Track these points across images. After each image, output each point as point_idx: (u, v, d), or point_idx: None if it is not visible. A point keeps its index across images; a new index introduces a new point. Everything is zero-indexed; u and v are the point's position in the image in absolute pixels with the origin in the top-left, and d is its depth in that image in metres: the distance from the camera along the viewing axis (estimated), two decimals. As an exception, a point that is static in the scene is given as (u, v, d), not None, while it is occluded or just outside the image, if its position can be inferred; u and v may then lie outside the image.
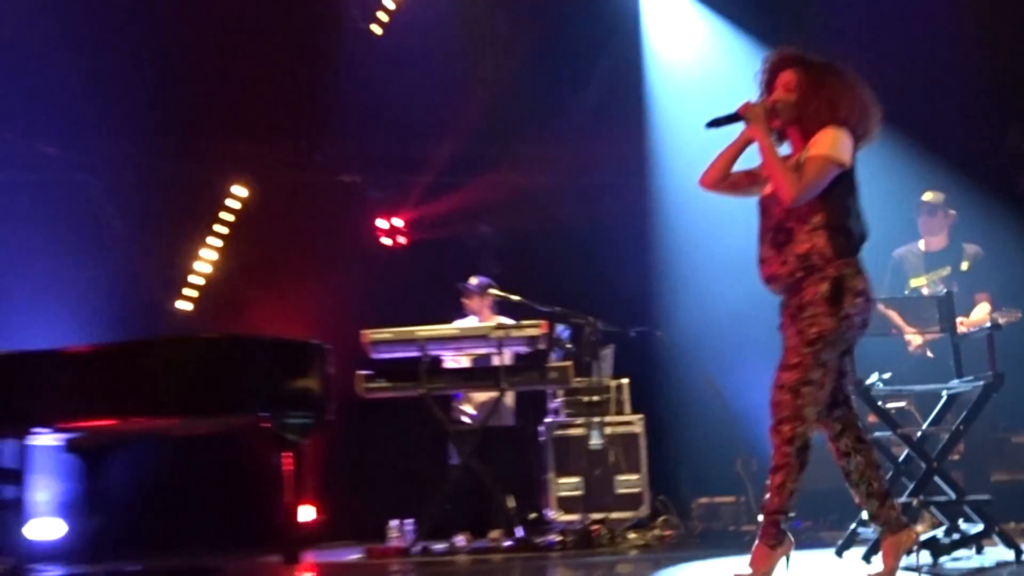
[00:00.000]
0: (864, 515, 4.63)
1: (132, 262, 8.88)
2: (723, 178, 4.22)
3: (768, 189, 4.05)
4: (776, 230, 3.98)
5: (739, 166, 4.21)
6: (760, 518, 4.00)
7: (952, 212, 6.65)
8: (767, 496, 3.95)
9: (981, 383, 4.99)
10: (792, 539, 3.99)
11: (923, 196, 6.71)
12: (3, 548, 6.49)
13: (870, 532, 5.13)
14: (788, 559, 4.00)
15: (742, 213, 8.00)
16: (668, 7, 9.25)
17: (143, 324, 8.55)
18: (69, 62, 8.27)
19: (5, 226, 8.65)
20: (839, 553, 5.27)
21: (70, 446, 6.79)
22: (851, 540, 5.29)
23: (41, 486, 7.23)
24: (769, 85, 4.20)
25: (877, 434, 5.31)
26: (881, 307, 5.62)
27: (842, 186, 3.94)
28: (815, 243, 3.84)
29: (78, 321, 8.06)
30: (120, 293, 8.72)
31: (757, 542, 3.95)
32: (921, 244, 6.70)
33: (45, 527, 7.17)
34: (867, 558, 4.97)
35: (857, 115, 4.03)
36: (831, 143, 3.90)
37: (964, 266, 6.47)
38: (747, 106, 4.06)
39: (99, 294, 8.58)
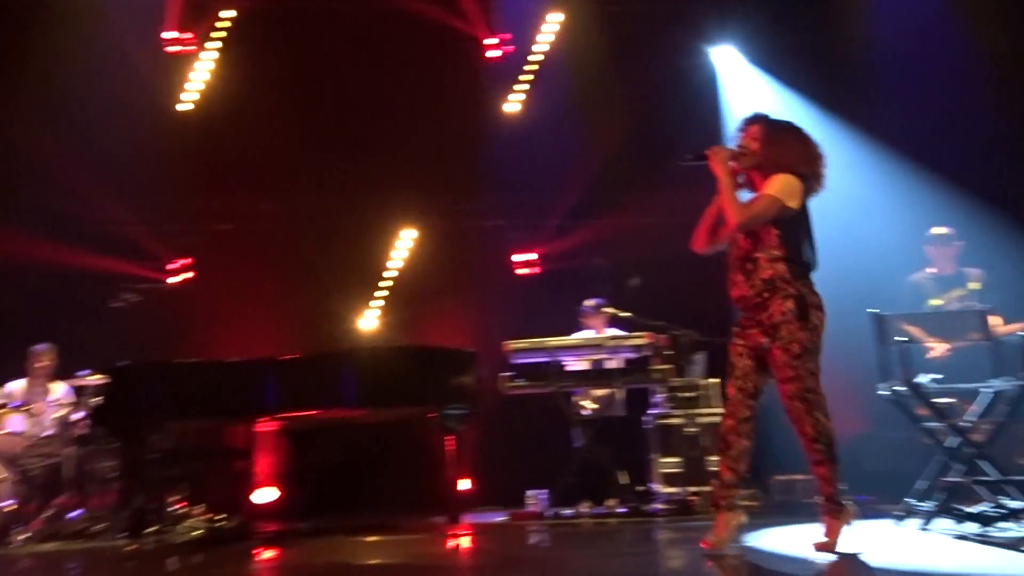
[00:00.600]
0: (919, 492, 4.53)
1: (327, 292, 9.07)
2: (710, 237, 4.22)
3: (727, 226, 4.07)
4: (744, 259, 3.99)
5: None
6: (820, 499, 4.01)
7: (958, 243, 6.47)
8: (819, 484, 3.98)
9: (1021, 382, 4.78)
10: (852, 507, 3.96)
11: (934, 230, 6.55)
12: (238, 508, 6.66)
13: (926, 506, 4.94)
14: (851, 524, 3.97)
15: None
16: (742, 79, 9.17)
17: (336, 337, 8.75)
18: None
19: (234, 265, 8.96)
20: (898, 523, 5.06)
21: (283, 431, 6.96)
22: (909, 512, 5.08)
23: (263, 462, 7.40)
24: (741, 138, 4.21)
25: (928, 424, 5.10)
26: (903, 324, 5.43)
27: (795, 223, 3.97)
28: (776, 269, 3.90)
29: (286, 334, 8.28)
30: (318, 315, 8.92)
31: (825, 517, 3.93)
32: (932, 270, 6.50)
33: (265, 493, 7.34)
34: (924, 527, 4.76)
35: (806, 164, 4.04)
36: (780, 187, 3.93)
37: (975, 286, 6.27)
38: (713, 149, 4.10)
39: (302, 316, 8.80)
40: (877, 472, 7.23)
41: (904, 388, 4.90)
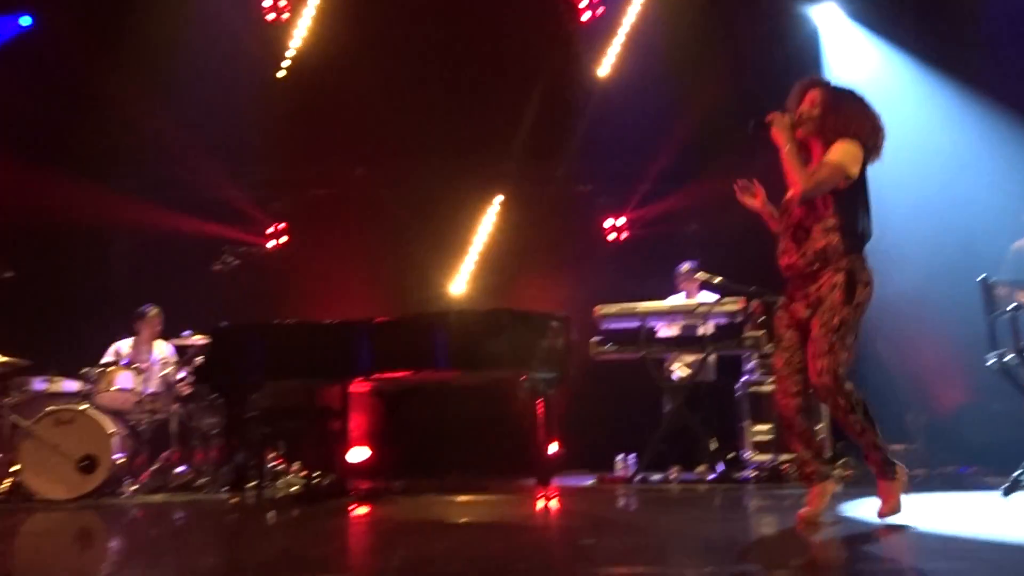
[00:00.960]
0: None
1: (419, 256, 9.15)
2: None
3: (789, 192, 3.91)
4: (796, 228, 3.84)
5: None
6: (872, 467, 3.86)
7: None
8: (867, 453, 3.83)
9: None
10: (904, 466, 3.89)
11: None
12: (332, 466, 6.80)
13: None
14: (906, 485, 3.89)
15: (907, 209, 7.56)
16: (844, 38, 8.83)
17: (429, 300, 8.83)
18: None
19: (329, 229, 9.11)
20: (1005, 495, 4.85)
21: (376, 391, 7.06)
22: (1016, 485, 4.87)
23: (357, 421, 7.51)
24: (799, 104, 4.00)
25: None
26: (1004, 289, 5.18)
27: (852, 192, 3.80)
28: (830, 240, 3.74)
29: (380, 297, 8.39)
30: (410, 278, 9.02)
31: (881, 482, 3.84)
32: None
33: (359, 452, 7.47)
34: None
35: (868, 132, 3.86)
36: (842, 154, 3.77)
37: None
38: (774, 115, 3.93)
39: (395, 279, 8.90)
40: (982, 444, 6.97)
41: (1013, 357, 4.69)
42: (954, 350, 7.13)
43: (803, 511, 3.79)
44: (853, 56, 8.61)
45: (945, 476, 6.59)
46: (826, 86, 4.02)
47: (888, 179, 7.14)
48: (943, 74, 8.16)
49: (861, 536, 3.48)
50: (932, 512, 4.39)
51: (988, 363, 4.94)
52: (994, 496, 4.91)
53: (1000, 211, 7.18)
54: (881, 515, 3.78)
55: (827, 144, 3.83)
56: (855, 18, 8.78)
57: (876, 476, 3.84)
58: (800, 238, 3.80)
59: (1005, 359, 4.79)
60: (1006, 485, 4.93)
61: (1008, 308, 4.72)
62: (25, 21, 9.06)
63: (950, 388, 7.58)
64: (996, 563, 2.91)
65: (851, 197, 3.80)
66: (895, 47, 8.48)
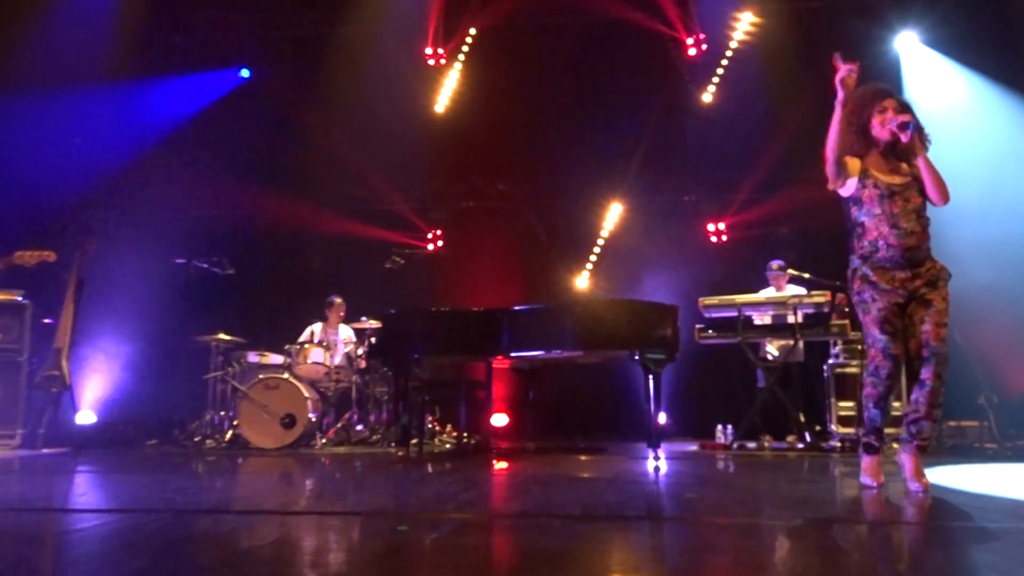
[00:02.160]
0: None
1: (551, 256, 9.18)
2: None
3: (903, 180, 3.51)
4: (918, 213, 3.50)
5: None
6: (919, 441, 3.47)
7: None
8: (929, 423, 3.43)
9: None
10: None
11: None
12: (478, 428, 6.92)
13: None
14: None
15: (981, 212, 7.05)
16: (923, 64, 8.32)
17: (558, 292, 8.87)
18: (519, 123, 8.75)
19: (475, 234, 9.25)
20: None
21: (514, 367, 7.11)
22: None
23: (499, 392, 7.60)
24: (879, 108, 3.58)
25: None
26: None
27: None
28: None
29: (517, 289, 8.46)
30: (542, 274, 9.06)
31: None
32: None
33: (500, 417, 7.55)
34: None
35: None
36: None
37: None
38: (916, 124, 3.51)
39: (530, 275, 8.97)
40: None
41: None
42: (1022, 337, 6.63)
43: (879, 479, 3.54)
44: (932, 81, 8.13)
45: (1015, 449, 6.15)
46: (898, 96, 3.66)
47: (970, 187, 6.74)
48: (1013, 92, 7.59)
49: (935, 498, 3.29)
50: (1002, 480, 4.11)
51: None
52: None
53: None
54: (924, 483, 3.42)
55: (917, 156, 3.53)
56: (933, 45, 8.28)
57: (919, 448, 3.49)
58: (924, 224, 3.52)
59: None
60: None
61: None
62: (244, 74, 9.61)
63: (1018, 371, 7.07)
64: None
65: None
66: (974, 72, 7.96)
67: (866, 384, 3.57)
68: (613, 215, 9.29)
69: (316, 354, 7.20)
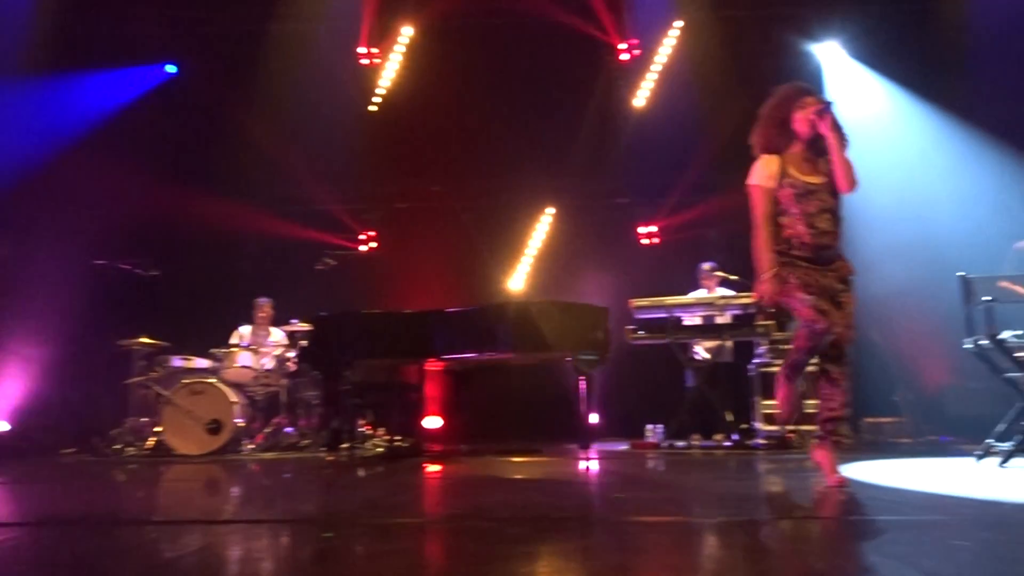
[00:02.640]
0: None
1: (484, 258, 9.18)
2: None
3: (820, 180, 3.52)
4: (833, 214, 3.53)
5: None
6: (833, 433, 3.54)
7: None
8: (842, 420, 3.54)
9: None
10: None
11: None
12: (411, 431, 6.85)
13: (1005, 446, 4.58)
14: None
15: (898, 216, 7.34)
16: (844, 74, 8.63)
17: (490, 294, 8.87)
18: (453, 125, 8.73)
19: (409, 236, 9.19)
20: (979, 460, 4.71)
21: (447, 369, 7.08)
22: (988, 451, 4.72)
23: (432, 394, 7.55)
24: (800, 104, 3.60)
25: (1009, 374, 4.70)
26: (1005, 283, 5.01)
27: None
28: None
29: (450, 292, 8.42)
30: (476, 276, 9.05)
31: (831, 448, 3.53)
32: None
33: (433, 420, 7.50)
34: (1002, 464, 4.41)
35: None
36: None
37: None
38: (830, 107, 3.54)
39: (463, 277, 8.95)
40: (960, 417, 6.78)
41: (988, 342, 4.53)
42: (937, 336, 6.93)
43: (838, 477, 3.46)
44: (853, 90, 8.44)
45: (929, 444, 6.42)
46: (818, 94, 3.68)
47: (885, 192, 7.00)
48: (929, 103, 7.95)
49: (852, 493, 3.41)
50: (918, 474, 4.28)
51: (966, 347, 4.78)
52: (970, 461, 4.77)
53: (973, 218, 6.98)
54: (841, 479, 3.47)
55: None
56: (855, 56, 8.60)
57: (829, 442, 3.55)
58: (836, 222, 3.56)
59: (980, 343, 4.62)
60: (980, 452, 4.78)
61: (982, 300, 4.55)
62: (170, 69, 9.34)
63: (934, 369, 7.39)
64: (972, 516, 2.83)
65: None
66: (893, 83, 8.30)
67: (797, 340, 3.55)
68: (547, 217, 9.36)
69: (244, 357, 7.04)
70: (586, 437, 5.78)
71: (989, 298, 4.51)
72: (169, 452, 6.49)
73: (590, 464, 5.20)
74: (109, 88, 8.99)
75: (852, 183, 3.51)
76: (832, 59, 8.71)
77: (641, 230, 9.21)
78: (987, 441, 4.74)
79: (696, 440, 6.75)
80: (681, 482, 4.27)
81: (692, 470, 4.95)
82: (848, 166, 3.51)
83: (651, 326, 6.86)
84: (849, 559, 2.09)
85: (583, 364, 5.79)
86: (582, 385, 5.87)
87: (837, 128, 3.55)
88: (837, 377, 3.52)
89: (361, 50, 9.34)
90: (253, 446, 6.81)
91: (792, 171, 3.59)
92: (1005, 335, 4.56)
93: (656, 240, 9.20)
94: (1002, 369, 4.72)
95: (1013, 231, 6.16)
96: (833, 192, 3.57)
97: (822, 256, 3.54)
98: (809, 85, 3.72)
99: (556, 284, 8.77)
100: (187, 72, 9.27)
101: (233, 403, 6.56)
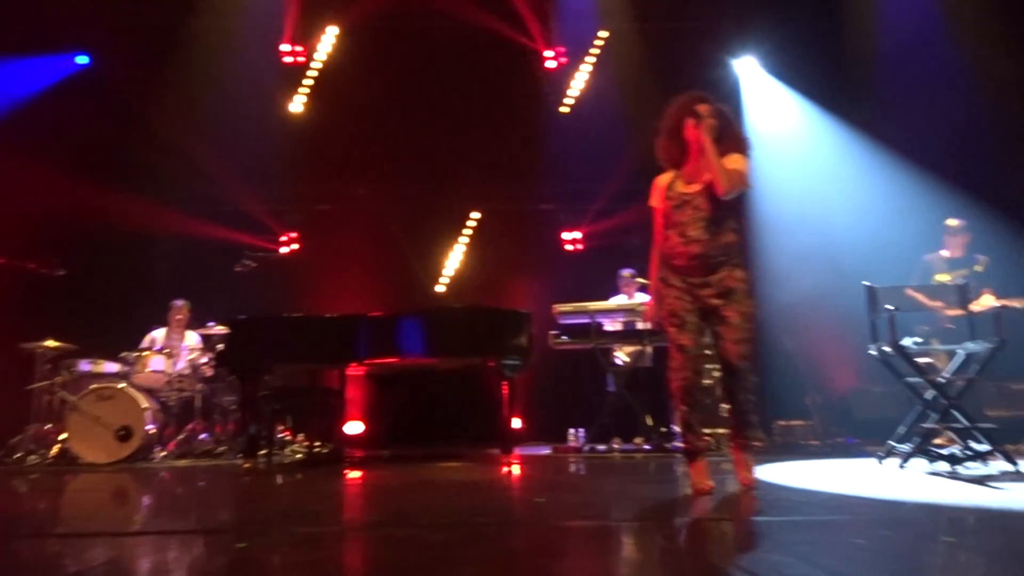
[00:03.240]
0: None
1: (408, 262, 9.13)
2: None
3: (695, 188, 3.52)
4: (708, 221, 3.49)
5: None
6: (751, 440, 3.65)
7: (967, 233, 6.19)
8: (746, 428, 3.62)
9: (990, 345, 4.59)
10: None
11: (948, 221, 6.26)
12: (331, 437, 6.75)
13: (905, 448, 4.81)
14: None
15: (808, 227, 7.60)
16: (761, 88, 8.93)
17: (414, 299, 8.82)
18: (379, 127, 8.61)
19: (332, 238, 9.06)
20: (881, 461, 4.94)
21: (369, 374, 7.00)
22: (889, 453, 4.95)
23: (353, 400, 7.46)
24: (690, 112, 3.56)
25: (910, 379, 4.95)
26: (911, 291, 5.30)
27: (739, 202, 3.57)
28: (733, 239, 3.54)
29: (373, 295, 8.34)
30: (400, 280, 9.00)
31: (746, 451, 3.63)
32: (945, 253, 6.23)
33: (354, 425, 7.42)
34: (902, 466, 4.62)
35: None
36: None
37: (979, 268, 6.01)
38: (705, 112, 3.52)
39: (387, 281, 8.88)
40: (865, 419, 7.10)
41: (890, 349, 4.76)
42: (844, 341, 7.22)
43: (707, 484, 3.49)
44: (768, 103, 8.75)
45: (835, 446, 6.70)
46: (715, 102, 3.64)
47: (795, 202, 7.26)
48: (837, 117, 8.30)
49: (763, 494, 3.53)
50: (825, 475, 4.46)
51: (870, 353, 5.00)
52: (873, 462, 5.00)
53: (875, 228, 7.33)
54: (751, 480, 3.57)
55: (723, 154, 3.49)
56: (770, 71, 8.91)
57: (743, 448, 3.65)
58: (712, 231, 3.49)
59: (883, 350, 4.85)
60: (882, 453, 5.02)
61: (885, 308, 4.77)
62: (82, 60, 8.96)
63: (841, 373, 7.71)
64: (872, 516, 2.96)
65: (740, 206, 3.64)
66: (805, 97, 8.63)
67: (669, 382, 3.57)
68: (472, 222, 9.37)
69: (157, 362, 6.83)
70: (509, 441, 5.80)
71: (892, 307, 4.73)
72: (75, 460, 6.23)
73: (512, 468, 5.22)
74: (14, 77, 8.58)
75: (728, 185, 3.43)
76: (749, 73, 9.02)
77: (565, 236, 9.33)
78: (889, 443, 4.98)
79: (617, 444, 6.87)
80: (601, 486, 4.33)
81: (612, 474, 5.03)
82: (720, 169, 3.44)
83: (573, 331, 6.95)
84: (757, 559, 2.16)
85: (506, 369, 5.82)
86: (505, 390, 5.88)
87: (725, 133, 3.53)
88: (734, 392, 3.56)
89: (285, 48, 9.18)
90: (165, 453, 6.60)
91: (677, 183, 3.60)
92: (906, 342, 4.79)
93: (580, 246, 9.32)
94: (903, 374, 4.96)
95: (910, 241, 6.50)
96: (711, 198, 3.51)
97: (696, 266, 3.51)
98: (702, 93, 3.65)
99: (480, 289, 8.80)
100: (100, 64, 8.92)
101: (144, 409, 6.35)
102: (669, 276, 3.60)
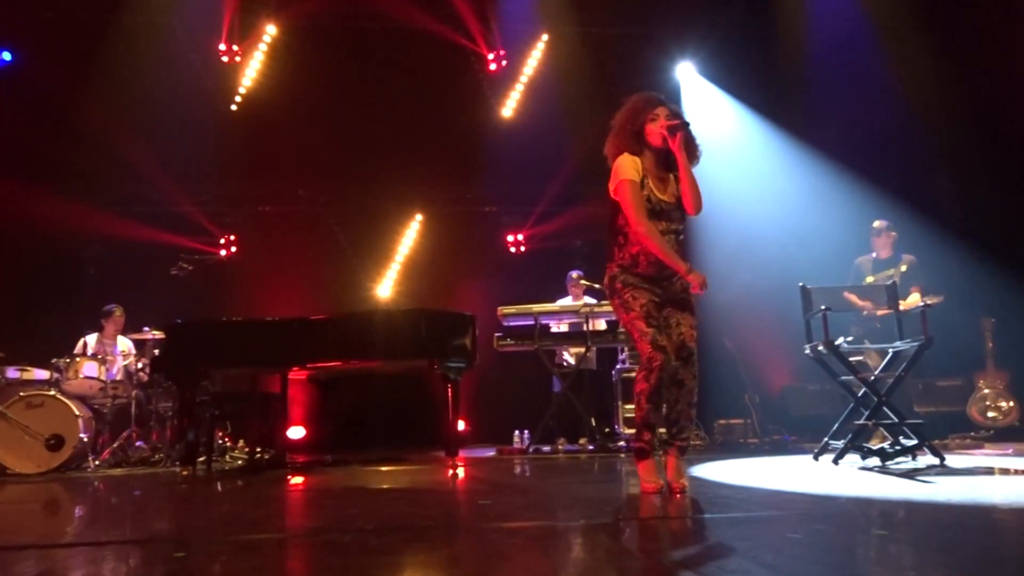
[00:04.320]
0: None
1: (350, 264, 9.06)
2: None
3: (669, 199, 3.52)
4: (677, 235, 3.56)
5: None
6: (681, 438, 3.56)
7: (893, 233, 6.41)
8: (687, 424, 3.56)
9: (917, 343, 4.76)
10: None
11: (875, 223, 6.47)
12: (273, 443, 6.65)
13: (838, 444, 4.96)
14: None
15: (745, 231, 7.78)
16: (699, 94, 9.11)
17: (357, 301, 8.75)
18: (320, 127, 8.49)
19: (273, 241, 8.93)
20: (816, 458, 5.08)
21: (311, 378, 6.91)
22: (824, 449, 5.10)
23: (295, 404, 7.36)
24: (655, 115, 3.54)
25: (843, 378, 5.10)
26: (847, 294, 5.48)
27: None
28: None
29: (315, 298, 8.25)
30: (342, 283, 8.92)
31: (680, 453, 3.56)
32: (873, 255, 6.45)
33: (296, 431, 7.31)
34: (836, 461, 4.76)
35: None
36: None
37: (904, 268, 6.24)
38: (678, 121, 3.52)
39: (329, 283, 8.79)
40: (799, 417, 7.30)
41: (824, 348, 4.90)
42: (780, 341, 7.42)
43: (657, 482, 3.48)
44: (707, 109, 8.94)
45: (773, 443, 6.87)
46: (671, 105, 3.62)
47: (732, 205, 7.41)
48: (774, 124, 8.53)
49: (702, 493, 3.59)
50: (763, 472, 4.56)
51: (806, 352, 5.14)
52: (808, 459, 5.14)
53: (812, 233, 7.55)
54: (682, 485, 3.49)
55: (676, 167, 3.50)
56: (708, 77, 9.10)
57: (681, 451, 3.59)
58: (680, 245, 3.56)
59: (818, 349, 4.99)
60: (817, 450, 5.17)
61: (819, 309, 4.92)
62: (5, 56, 8.63)
63: (777, 372, 7.92)
64: (807, 510, 3.04)
65: None
66: (741, 103, 8.84)
67: (638, 380, 3.48)
68: (415, 224, 9.34)
69: (89, 368, 6.62)
70: (453, 444, 5.78)
71: (825, 307, 4.88)
72: (2, 471, 5.99)
73: (457, 471, 5.21)
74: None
75: (699, 206, 3.51)
76: (688, 79, 9.19)
77: (509, 238, 9.36)
78: (825, 440, 5.13)
79: (561, 445, 6.93)
80: (546, 487, 4.35)
81: (557, 474, 5.06)
82: (696, 189, 3.49)
83: (518, 333, 6.98)
84: (698, 555, 2.20)
85: (450, 371, 5.81)
86: (449, 393, 5.88)
87: (690, 146, 3.55)
88: (685, 379, 3.50)
89: (221, 46, 9.00)
90: (99, 462, 6.40)
91: (650, 184, 3.54)
92: (839, 341, 4.94)
93: (524, 248, 9.37)
94: (837, 373, 5.12)
95: (840, 241, 6.71)
96: (680, 212, 3.57)
97: (665, 275, 3.55)
98: (661, 95, 3.67)
99: (424, 291, 8.78)
100: (24, 60, 8.60)
101: (77, 416, 6.16)
102: (631, 279, 3.57)
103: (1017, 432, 6.91)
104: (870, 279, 6.29)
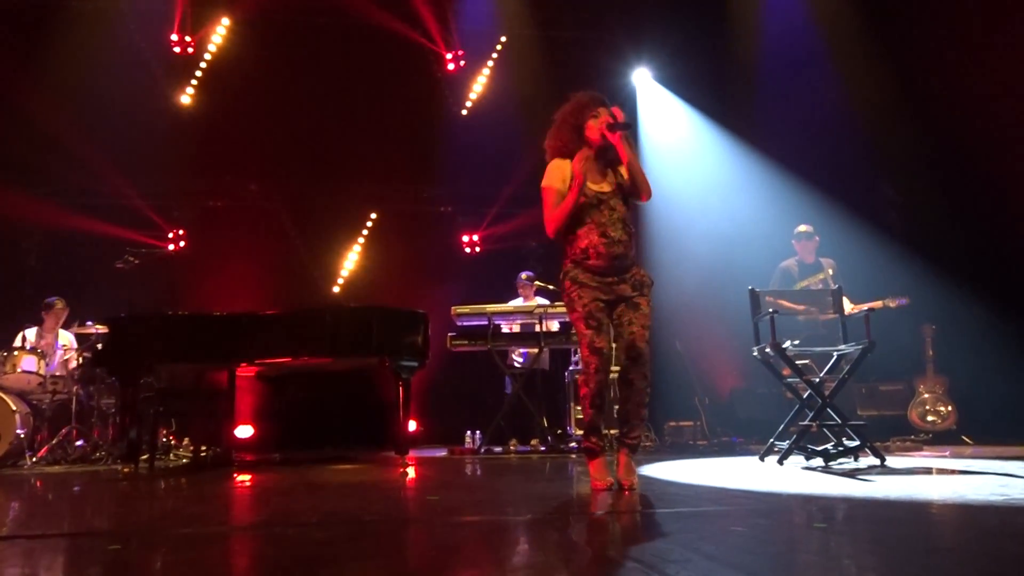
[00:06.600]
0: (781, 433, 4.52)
1: (303, 261, 8.95)
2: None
3: (608, 189, 3.61)
4: (624, 222, 3.61)
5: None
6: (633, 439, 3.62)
7: (817, 238, 6.54)
8: (638, 424, 3.61)
9: (860, 347, 4.88)
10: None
11: (800, 228, 6.59)
12: (219, 441, 6.53)
13: (783, 445, 5.04)
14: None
15: (694, 235, 7.88)
16: (654, 98, 9.22)
17: (309, 298, 8.65)
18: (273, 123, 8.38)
19: (223, 236, 8.78)
20: (762, 459, 5.17)
21: (259, 375, 6.81)
22: (769, 450, 5.19)
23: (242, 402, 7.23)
24: (596, 113, 3.67)
25: (789, 380, 5.20)
26: (771, 298, 5.59)
27: None
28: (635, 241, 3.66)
29: (266, 296, 8.13)
30: (294, 280, 8.81)
31: (631, 452, 3.62)
32: (798, 258, 6.57)
33: (244, 429, 7.19)
34: (781, 462, 4.85)
35: None
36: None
37: (831, 272, 6.38)
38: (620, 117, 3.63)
39: (280, 280, 8.67)
40: (747, 419, 7.41)
41: (771, 351, 4.99)
42: (729, 344, 7.53)
43: (607, 480, 3.56)
44: (661, 113, 9.05)
45: (721, 444, 6.96)
46: (609, 104, 3.73)
47: (683, 209, 7.50)
48: (725, 130, 8.67)
49: (650, 490, 3.63)
50: (710, 472, 4.63)
51: (753, 354, 5.23)
52: (754, 459, 5.23)
53: (759, 237, 7.69)
54: (631, 482, 3.55)
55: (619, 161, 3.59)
56: (662, 82, 9.22)
57: (632, 449, 3.66)
58: (629, 231, 3.61)
59: (765, 352, 5.08)
60: (762, 451, 5.26)
61: (767, 312, 5.01)
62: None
63: (726, 375, 8.04)
64: (751, 506, 3.09)
65: None
66: (693, 108, 8.97)
67: (581, 385, 3.56)
68: (369, 222, 9.27)
69: (28, 362, 6.43)
70: (404, 444, 5.74)
71: (772, 310, 4.97)
72: (-68, 468, 5.79)
73: (407, 470, 5.18)
74: None
75: (648, 192, 3.61)
76: (644, 85, 9.30)
77: (464, 238, 9.35)
78: (771, 441, 5.22)
79: (513, 445, 6.93)
80: (496, 485, 4.35)
81: (507, 473, 5.06)
82: (643, 176, 3.60)
83: (472, 333, 6.98)
84: (643, 547, 2.22)
85: (401, 370, 5.77)
86: (400, 392, 5.84)
87: (628, 142, 3.63)
88: (634, 379, 3.56)
89: (173, 37, 8.84)
90: (36, 459, 6.21)
91: (586, 181, 3.61)
92: (786, 344, 5.04)
93: (479, 249, 9.37)
94: (783, 375, 5.22)
95: (786, 244, 6.85)
96: (624, 200, 3.65)
97: (616, 266, 3.58)
98: (602, 95, 3.76)
99: (377, 289, 8.73)
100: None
101: (13, 412, 5.99)
102: (581, 276, 3.60)
103: (955, 435, 7.13)
104: (803, 283, 6.43)
